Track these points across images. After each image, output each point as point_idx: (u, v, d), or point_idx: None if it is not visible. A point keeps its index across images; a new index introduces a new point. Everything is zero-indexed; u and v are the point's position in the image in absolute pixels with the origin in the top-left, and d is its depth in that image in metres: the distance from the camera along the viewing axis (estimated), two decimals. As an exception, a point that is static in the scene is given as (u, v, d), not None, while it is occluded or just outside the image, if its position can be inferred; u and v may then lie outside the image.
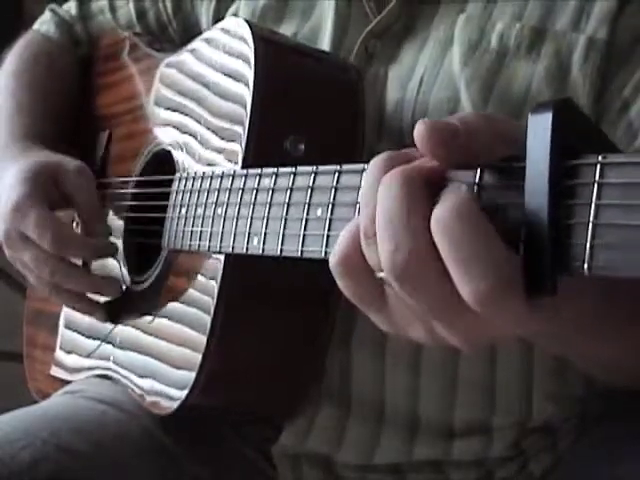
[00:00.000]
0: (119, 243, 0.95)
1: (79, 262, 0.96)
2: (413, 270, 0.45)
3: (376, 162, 0.49)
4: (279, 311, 0.79)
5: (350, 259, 0.49)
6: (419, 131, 0.46)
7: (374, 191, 0.47)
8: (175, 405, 0.79)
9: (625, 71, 0.75)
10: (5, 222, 0.90)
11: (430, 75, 0.80)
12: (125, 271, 0.94)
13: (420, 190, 0.46)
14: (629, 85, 0.75)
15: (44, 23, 1.14)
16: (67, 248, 0.89)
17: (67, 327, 1.03)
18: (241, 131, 0.76)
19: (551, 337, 0.55)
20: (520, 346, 0.81)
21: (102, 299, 0.94)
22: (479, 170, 0.47)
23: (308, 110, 0.78)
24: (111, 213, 0.99)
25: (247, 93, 0.76)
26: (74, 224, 0.97)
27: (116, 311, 0.94)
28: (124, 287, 0.93)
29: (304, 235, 0.58)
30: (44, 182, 0.91)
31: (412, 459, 0.84)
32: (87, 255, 0.93)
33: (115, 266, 0.96)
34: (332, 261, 0.49)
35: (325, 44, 0.86)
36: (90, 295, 0.93)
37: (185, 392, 0.77)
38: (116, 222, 0.97)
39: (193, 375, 0.76)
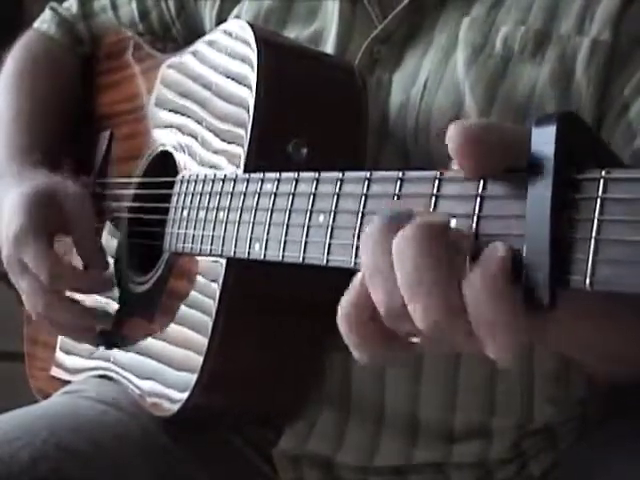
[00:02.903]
0: (120, 244, 0.95)
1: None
2: (445, 326, 0.44)
3: (378, 227, 0.47)
4: (280, 314, 0.79)
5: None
6: (453, 134, 0.45)
7: (383, 265, 0.46)
8: (176, 407, 0.79)
9: (625, 72, 0.75)
10: (7, 249, 0.91)
11: (434, 79, 0.80)
12: (127, 272, 0.94)
13: (438, 243, 0.45)
14: (629, 86, 0.75)
15: (45, 22, 1.13)
16: (63, 283, 0.90)
17: None
18: (243, 134, 0.75)
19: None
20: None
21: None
22: (482, 181, 0.47)
23: (311, 113, 0.77)
24: (113, 214, 0.99)
25: (250, 96, 0.75)
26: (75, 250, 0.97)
27: (118, 312, 0.94)
28: (125, 287, 0.93)
29: (306, 242, 0.58)
30: (43, 210, 0.91)
31: (412, 462, 0.84)
32: (83, 290, 0.94)
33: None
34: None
35: (329, 49, 0.85)
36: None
37: (186, 394, 0.77)
38: (118, 222, 0.97)
39: (194, 377, 0.76)
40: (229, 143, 0.79)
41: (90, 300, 0.96)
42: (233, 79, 0.80)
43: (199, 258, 0.80)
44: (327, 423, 0.83)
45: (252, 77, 0.76)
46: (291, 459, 0.87)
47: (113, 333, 0.94)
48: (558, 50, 0.76)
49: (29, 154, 1.00)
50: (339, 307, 0.48)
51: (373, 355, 0.49)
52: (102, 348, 0.95)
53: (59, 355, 1.04)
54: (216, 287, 0.76)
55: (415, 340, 0.48)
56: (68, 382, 0.99)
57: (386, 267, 0.46)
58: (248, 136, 0.74)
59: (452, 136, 0.45)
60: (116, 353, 0.92)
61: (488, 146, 0.45)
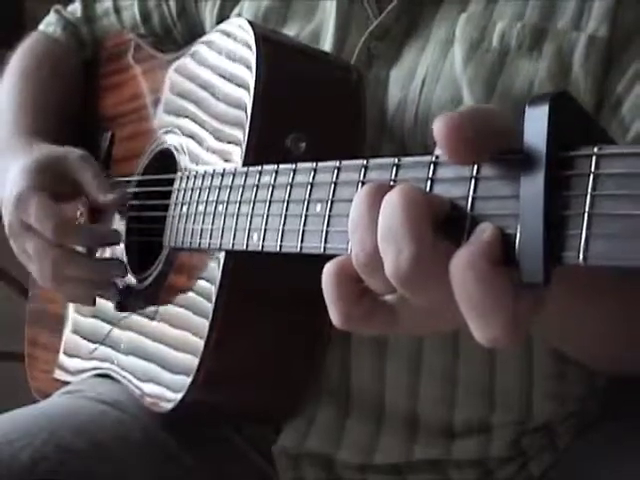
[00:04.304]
0: (121, 244, 0.95)
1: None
2: (418, 275, 0.44)
3: (366, 190, 0.48)
4: (277, 313, 0.79)
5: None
6: (439, 127, 0.45)
7: (366, 218, 0.47)
8: (170, 406, 0.79)
9: (619, 67, 0.76)
10: (9, 214, 0.90)
11: (432, 75, 0.80)
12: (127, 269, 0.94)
13: (420, 203, 0.45)
14: (622, 81, 0.76)
15: (50, 24, 1.14)
16: (69, 236, 0.87)
17: (73, 332, 1.03)
18: (241, 134, 0.76)
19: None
20: (520, 346, 0.81)
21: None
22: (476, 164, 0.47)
23: (309, 110, 0.78)
24: (113, 212, 0.99)
25: (247, 95, 0.76)
26: (78, 213, 0.96)
27: (118, 309, 0.94)
28: (127, 285, 0.93)
29: (303, 231, 0.58)
30: (47, 174, 0.91)
31: (412, 459, 0.84)
32: (90, 243, 0.91)
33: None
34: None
35: (327, 46, 0.86)
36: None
37: (181, 394, 0.78)
38: (118, 221, 0.97)
39: (190, 378, 0.76)
40: (227, 143, 0.79)
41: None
42: (231, 79, 0.81)
43: (198, 256, 0.80)
44: (326, 420, 0.83)
45: (250, 76, 0.76)
46: (291, 458, 0.86)
47: (121, 306, 0.92)
48: (555, 45, 0.77)
49: (32, 137, 0.99)
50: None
51: (348, 316, 0.49)
52: (110, 325, 0.94)
53: (62, 358, 1.04)
54: (213, 288, 0.76)
55: (389, 298, 0.49)
56: (68, 382, 1.00)
57: (370, 218, 0.46)
58: (246, 133, 0.75)
59: (437, 129, 0.45)
60: (118, 355, 0.92)
61: (473, 134, 0.45)
